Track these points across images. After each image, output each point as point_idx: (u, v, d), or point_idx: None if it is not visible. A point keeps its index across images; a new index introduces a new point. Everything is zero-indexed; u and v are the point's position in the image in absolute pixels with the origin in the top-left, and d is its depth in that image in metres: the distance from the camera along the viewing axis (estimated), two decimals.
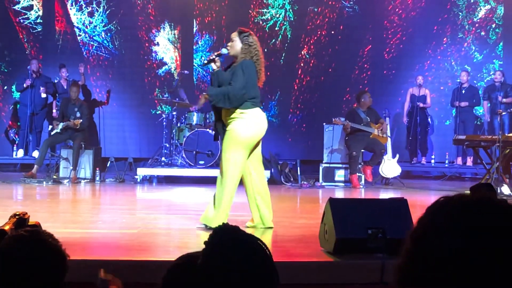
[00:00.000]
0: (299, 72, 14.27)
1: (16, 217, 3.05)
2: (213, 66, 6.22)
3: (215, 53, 6.31)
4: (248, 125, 6.14)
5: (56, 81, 13.73)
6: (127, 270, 4.39)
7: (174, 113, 12.22)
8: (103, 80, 14.20)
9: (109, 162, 12.60)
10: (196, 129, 11.84)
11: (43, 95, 13.38)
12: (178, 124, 12.19)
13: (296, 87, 14.27)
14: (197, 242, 5.67)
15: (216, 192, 6.36)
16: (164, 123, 12.26)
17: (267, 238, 6.16)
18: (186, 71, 13.08)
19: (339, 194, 10.70)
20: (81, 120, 11.68)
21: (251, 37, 6.21)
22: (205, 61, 6.32)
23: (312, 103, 14.22)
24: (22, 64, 13.71)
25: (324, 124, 12.15)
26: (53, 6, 14.27)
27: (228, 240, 2.34)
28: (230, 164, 6.21)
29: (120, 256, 4.86)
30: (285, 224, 7.02)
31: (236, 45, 6.20)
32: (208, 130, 11.71)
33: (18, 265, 2.27)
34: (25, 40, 14.28)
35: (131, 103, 13.84)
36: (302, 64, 14.30)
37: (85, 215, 7.62)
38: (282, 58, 14.25)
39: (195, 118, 11.98)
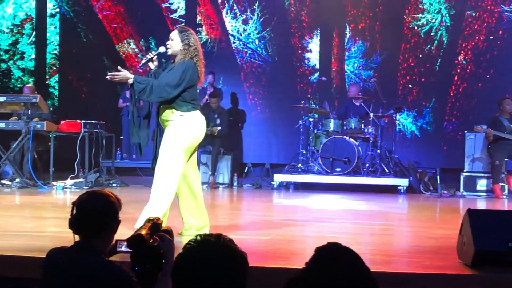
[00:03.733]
0: (455, 79, 13.86)
1: (151, 222, 3.13)
2: (151, 65, 6.01)
3: (153, 52, 6.03)
4: (188, 128, 5.86)
5: (205, 86, 14.07)
6: (260, 277, 4.41)
7: (311, 119, 12.23)
8: (256, 87, 14.41)
9: (246, 168, 12.77)
10: (333, 135, 11.80)
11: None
12: (315, 131, 12.18)
13: (452, 94, 13.87)
14: None
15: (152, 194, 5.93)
16: (301, 129, 12.29)
17: (401, 248, 6.04)
18: (323, 78, 13.07)
19: (481, 204, 10.35)
20: (219, 128, 11.93)
21: (191, 36, 5.96)
22: (143, 60, 6.00)
23: (469, 110, 13.74)
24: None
25: (466, 132, 11.82)
26: (195, 13, 14.64)
27: (330, 260, 2.30)
28: (169, 169, 5.81)
29: (254, 263, 4.89)
30: (422, 234, 6.87)
31: (175, 44, 5.95)
32: (345, 137, 11.64)
33: (207, 271, 2.29)
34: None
35: (279, 109, 13.91)
36: (458, 70, 13.87)
37: (221, 220, 7.74)
38: (438, 64, 13.90)
39: (332, 124, 11.94)
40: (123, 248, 3.18)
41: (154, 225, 3.10)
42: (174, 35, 5.98)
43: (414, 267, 4.87)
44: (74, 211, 3.29)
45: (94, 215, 3.23)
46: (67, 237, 5.63)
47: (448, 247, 5.42)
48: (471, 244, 4.62)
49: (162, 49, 6.04)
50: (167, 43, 6.01)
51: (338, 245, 2.36)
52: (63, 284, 3.11)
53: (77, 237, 3.28)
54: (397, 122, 12.91)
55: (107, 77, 5.90)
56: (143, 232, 3.05)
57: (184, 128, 5.85)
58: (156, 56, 6.02)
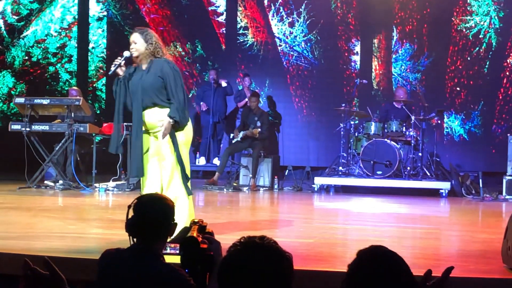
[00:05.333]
0: (504, 81, 13.60)
1: (197, 224, 3.16)
2: (120, 72, 5.88)
3: (120, 58, 5.88)
4: (188, 126, 5.91)
5: (240, 88, 14.08)
6: (302, 280, 4.41)
7: (352, 122, 12.17)
8: (302, 90, 14.37)
9: (287, 170, 12.76)
10: (374, 138, 11.72)
11: (224, 84, 13.60)
12: (356, 134, 12.12)
13: (501, 97, 13.64)
14: None
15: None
16: (342, 132, 12.23)
17: (445, 252, 5.99)
18: (365, 81, 13.00)
19: None
20: (259, 130, 11.95)
21: (152, 34, 5.91)
22: (113, 68, 5.84)
23: None
24: (228, 74, 14.21)
25: (509, 135, 11.66)
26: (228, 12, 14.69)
27: (371, 263, 2.29)
28: (182, 166, 5.81)
29: (296, 265, 4.88)
30: (465, 238, 6.81)
31: (140, 46, 5.84)
32: (386, 140, 11.56)
33: (252, 273, 2.30)
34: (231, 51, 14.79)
35: (325, 112, 13.80)
36: (507, 73, 13.62)
37: (262, 223, 7.74)
38: (486, 66, 13.68)
39: (373, 127, 11.87)
40: (169, 250, 3.21)
41: (200, 227, 3.12)
42: (136, 37, 5.88)
43: (459, 271, 4.80)
44: (132, 214, 3.30)
45: (155, 219, 3.25)
46: (111, 239, 5.71)
47: (493, 251, 5.36)
48: None
49: (127, 53, 5.90)
50: (132, 47, 5.88)
51: (381, 248, 2.37)
52: (122, 285, 3.13)
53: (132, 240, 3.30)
54: (444, 125, 12.78)
55: (162, 139, 5.78)
56: (194, 234, 3.07)
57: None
58: (124, 62, 5.91)
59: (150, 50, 5.86)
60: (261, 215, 8.95)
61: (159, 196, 3.41)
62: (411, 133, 11.69)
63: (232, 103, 14.00)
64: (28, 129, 10.62)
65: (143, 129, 5.89)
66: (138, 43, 5.87)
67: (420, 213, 9.47)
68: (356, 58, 14.25)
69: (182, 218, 5.57)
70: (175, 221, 3.38)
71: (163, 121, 5.74)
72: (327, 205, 10.67)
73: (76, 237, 6.06)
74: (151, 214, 3.27)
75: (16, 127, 10.80)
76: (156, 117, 5.83)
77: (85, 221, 7.44)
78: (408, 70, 13.99)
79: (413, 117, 11.73)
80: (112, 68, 5.87)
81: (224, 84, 13.56)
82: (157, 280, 3.11)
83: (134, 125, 5.89)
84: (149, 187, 5.84)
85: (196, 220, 3.21)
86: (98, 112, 15.03)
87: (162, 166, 5.83)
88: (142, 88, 5.81)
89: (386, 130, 11.85)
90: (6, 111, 15.39)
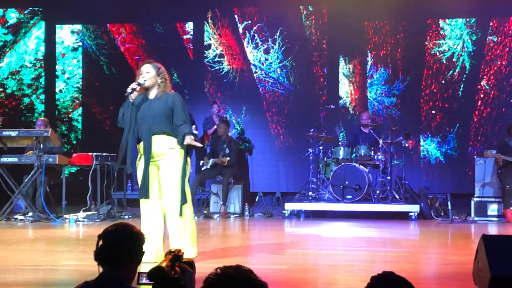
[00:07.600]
0: (479, 104, 13.76)
1: (172, 254, 3.17)
2: (133, 96, 6.28)
3: (135, 83, 6.30)
4: (186, 156, 6.36)
5: (209, 116, 14.08)
6: None
7: (321, 147, 12.25)
8: (278, 116, 14.41)
9: (257, 197, 12.79)
10: (343, 163, 11.82)
11: (195, 132, 13.65)
12: (325, 159, 12.21)
13: (475, 119, 13.80)
14: (346, 278, 5.64)
15: (175, 224, 6.34)
16: (311, 157, 12.30)
17: (417, 275, 6.04)
18: (332, 106, 13.07)
19: (492, 229, 10.34)
20: (228, 158, 12.00)
21: (164, 72, 6.46)
22: (129, 91, 6.24)
23: (493, 135, 13.60)
24: (201, 102, 14.24)
25: (475, 157, 11.82)
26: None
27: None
28: (185, 193, 6.32)
29: None
30: (436, 260, 6.89)
31: (152, 77, 6.35)
32: (355, 164, 11.66)
33: None
34: (203, 78, 14.81)
35: (301, 138, 13.78)
36: (481, 96, 13.77)
37: (235, 250, 7.75)
38: (461, 89, 13.84)
39: (341, 152, 11.96)
40: (145, 280, 3.21)
41: (175, 257, 3.13)
42: (149, 68, 6.41)
43: None
44: (100, 243, 3.32)
45: (119, 246, 3.28)
46: (84, 270, 5.69)
47: (464, 273, 5.43)
48: (487, 269, 4.63)
49: (141, 80, 6.33)
50: (143, 76, 6.36)
51: (393, 274, 2.41)
52: None
53: (101, 269, 3.32)
54: (421, 148, 12.93)
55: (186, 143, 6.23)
56: (164, 264, 3.08)
57: (184, 156, 6.32)
58: (138, 88, 6.29)
59: (160, 83, 6.36)
60: (232, 242, 8.94)
61: (126, 225, 3.42)
62: (380, 157, 11.81)
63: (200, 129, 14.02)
64: None
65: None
66: (150, 74, 6.37)
67: (391, 237, 9.55)
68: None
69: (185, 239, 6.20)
70: (143, 250, 3.40)
71: (186, 139, 6.16)
72: (298, 230, 10.70)
73: (48, 270, 6.03)
74: (114, 241, 3.29)
75: None
76: (163, 144, 6.25)
77: (56, 253, 7.39)
78: (383, 94, 14.11)
79: (380, 141, 11.86)
80: (128, 91, 6.24)
81: (195, 131, 13.59)
82: None
83: (145, 151, 6.24)
84: (148, 213, 6.40)
85: (172, 250, 3.22)
86: (74, 142, 14.97)
87: (166, 188, 6.28)
88: (153, 115, 6.23)
89: (354, 155, 11.95)
90: None
